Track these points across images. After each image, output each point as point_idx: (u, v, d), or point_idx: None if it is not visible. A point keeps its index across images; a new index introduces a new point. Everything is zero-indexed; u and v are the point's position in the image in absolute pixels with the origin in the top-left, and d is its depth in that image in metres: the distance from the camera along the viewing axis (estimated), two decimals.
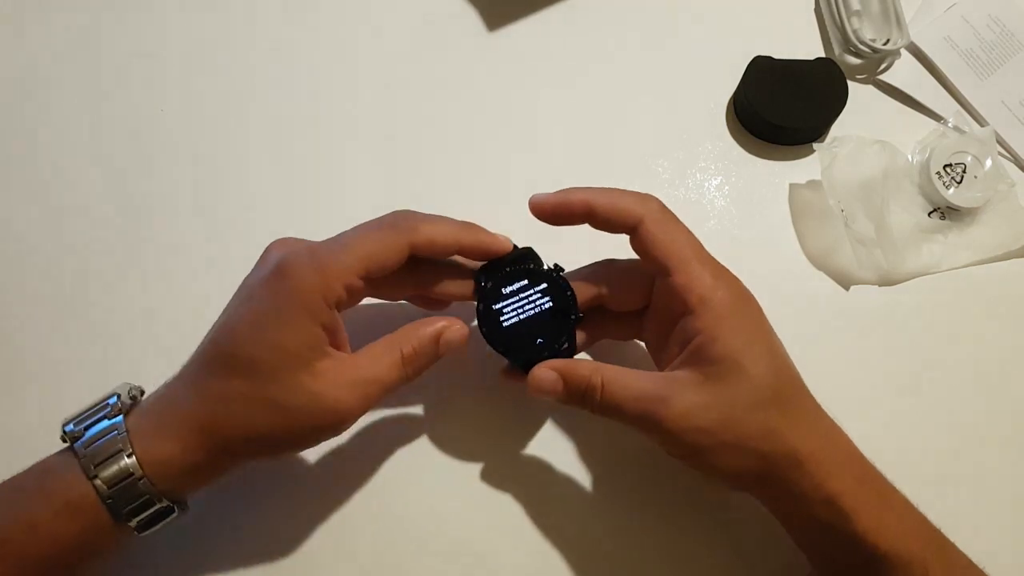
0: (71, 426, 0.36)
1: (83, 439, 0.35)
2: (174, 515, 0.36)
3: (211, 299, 0.48)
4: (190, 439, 0.35)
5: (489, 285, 0.38)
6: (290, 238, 0.39)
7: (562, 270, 0.39)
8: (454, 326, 0.39)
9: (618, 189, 0.39)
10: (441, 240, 0.38)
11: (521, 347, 0.38)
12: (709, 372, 0.36)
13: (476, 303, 0.38)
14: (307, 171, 0.53)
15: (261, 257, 0.38)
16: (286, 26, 0.57)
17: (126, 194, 0.51)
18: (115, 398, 0.37)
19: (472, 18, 0.57)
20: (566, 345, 0.39)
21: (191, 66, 0.55)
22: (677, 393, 0.36)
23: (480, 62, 0.56)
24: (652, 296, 0.40)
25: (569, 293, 0.39)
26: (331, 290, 0.36)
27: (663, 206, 0.39)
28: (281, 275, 0.35)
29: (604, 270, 0.41)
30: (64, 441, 0.36)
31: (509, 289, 0.38)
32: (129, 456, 0.35)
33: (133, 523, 0.35)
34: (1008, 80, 0.56)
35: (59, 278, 0.49)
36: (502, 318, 0.38)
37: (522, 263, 0.39)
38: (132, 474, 0.34)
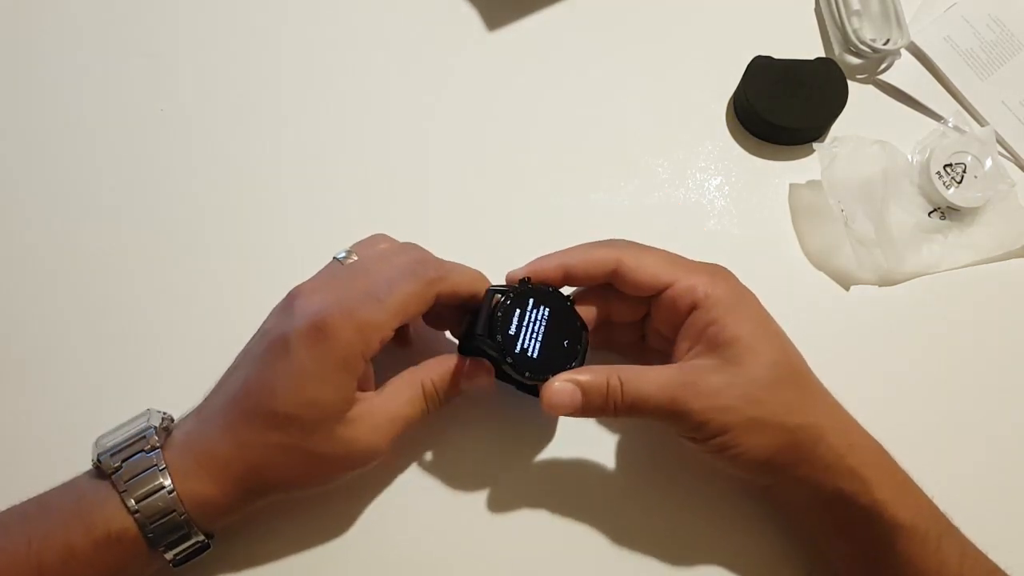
0: (106, 456, 0.36)
1: (120, 471, 0.36)
2: (209, 549, 0.38)
3: (213, 299, 0.48)
4: (228, 484, 0.36)
5: (500, 338, 0.38)
6: (311, 284, 0.39)
7: (529, 280, 0.40)
8: (480, 375, 0.40)
9: (583, 243, 0.41)
10: (461, 291, 0.39)
11: (559, 360, 0.39)
12: (726, 355, 0.37)
13: (502, 360, 0.38)
14: (305, 170, 0.53)
15: (286, 305, 0.38)
16: (286, 25, 0.57)
17: (126, 195, 0.51)
18: (151, 430, 0.37)
19: (472, 18, 0.57)
20: (584, 329, 0.40)
21: (191, 66, 0.55)
22: (700, 377, 0.37)
23: (480, 62, 0.56)
24: (652, 311, 0.42)
25: (551, 289, 0.40)
26: (369, 347, 0.37)
27: (629, 240, 0.42)
28: (322, 335, 0.36)
29: (603, 291, 0.42)
30: (96, 468, 0.37)
31: (513, 327, 0.38)
32: (170, 493, 0.35)
33: (170, 556, 0.36)
34: (1008, 80, 0.56)
35: (58, 279, 0.49)
36: (528, 354, 0.38)
37: (501, 301, 0.39)
38: (174, 509, 0.35)
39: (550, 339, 0.39)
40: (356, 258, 0.40)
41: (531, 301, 0.39)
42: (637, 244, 0.42)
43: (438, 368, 0.40)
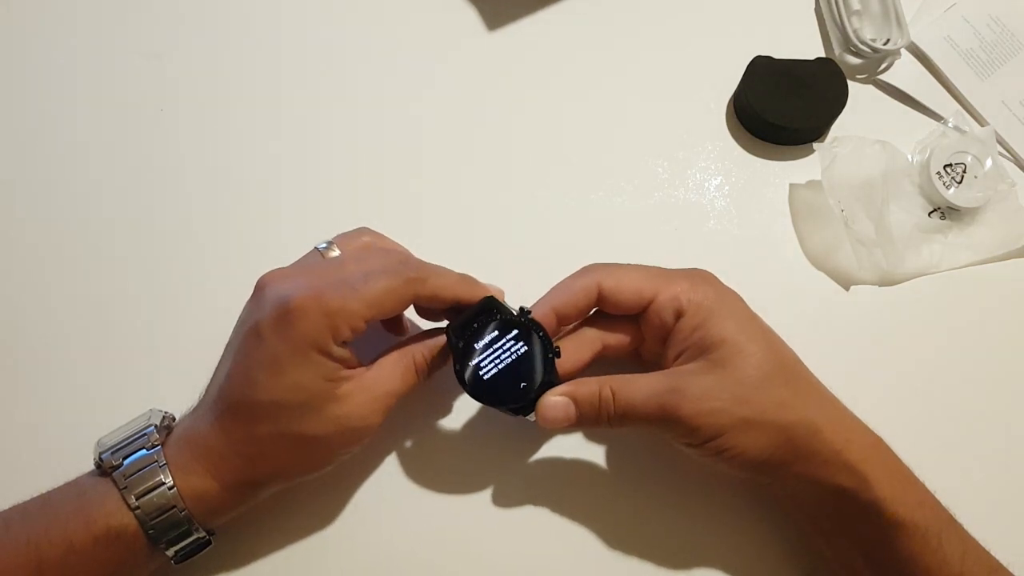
0: (108, 454, 0.36)
1: (122, 468, 0.36)
2: (211, 546, 0.38)
3: (215, 299, 0.48)
4: (227, 478, 0.36)
5: (462, 344, 0.38)
6: (280, 272, 0.39)
7: (529, 312, 0.39)
8: None
9: (560, 283, 0.41)
10: (443, 296, 0.39)
11: (506, 395, 0.39)
12: (713, 358, 0.38)
13: (453, 363, 0.39)
14: (306, 171, 0.53)
15: (256, 293, 0.38)
16: (285, 26, 0.57)
17: (126, 195, 0.51)
18: (152, 428, 0.37)
19: (472, 18, 0.57)
20: (549, 383, 0.39)
21: (191, 66, 0.56)
22: (688, 381, 0.37)
23: (480, 62, 0.56)
24: (643, 329, 0.41)
25: (541, 334, 0.39)
26: (339, 332, 0.36)
27: (601, 263, 0.41)
28: (289, 318, 0.36)
29: (595, 326, 0.42)
30: (98, 467, 0.37)
31: (482, 343, 0.38)
32: (171, 489, 0.35)
33: (171, 552, 0.36)
34: (1008, 80, 0.56)
35: (58, 281, 0.49)
36: (480, 372, 0.38)
37: (488, 315, 0.39)
38: (174, 506, 0.35)
39: (508, 373, 0.38)
40: (337, 251, 0.40)
41: (515, 332, 0.39)
42: (613, 264, 0.41)
43: (428, 342, 0.40)
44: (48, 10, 0.57)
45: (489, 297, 0.40)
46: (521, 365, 0.39)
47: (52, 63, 0.55)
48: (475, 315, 0.39)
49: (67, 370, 0.46)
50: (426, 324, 0.44)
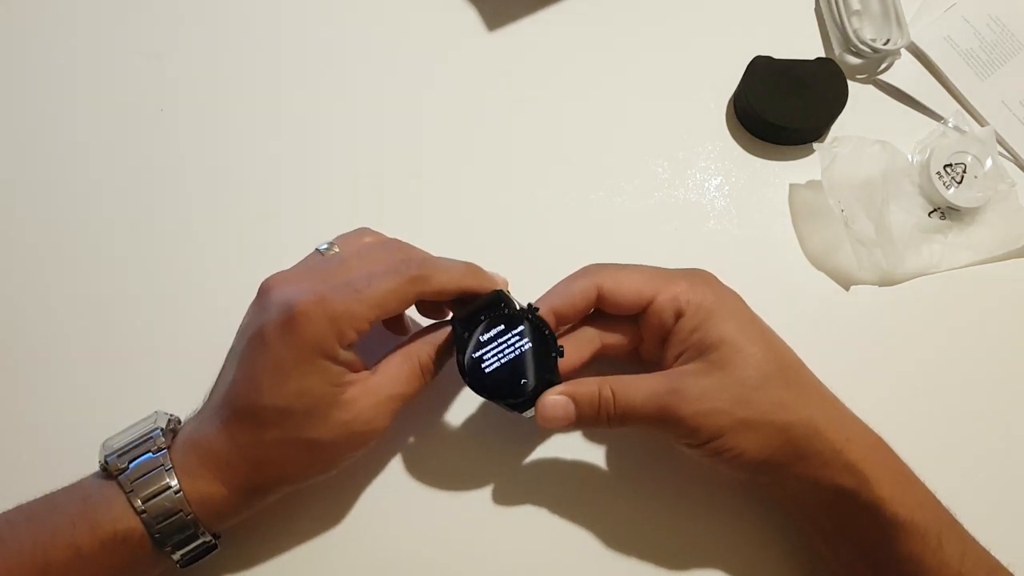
0: (113, 457, 0.36)
1: (128, 471, 0.36)
2: (216, 550, 0.38)
3: (217, 299, 0.48)
4: (233, 483, 0.36)
5: (467, 335, 0.38)
6: (283, 275, 0.39)
7: (536, 310, 0.39)
8: None
9: (559, 283, 0.41)
10: (448, 290, 0.39)
11: (506, 390, 0.39)
12: (712, 359, 0.38)
13: (455, 354, 0.39)
14: (305, 170, 0.53)
15: (260, 297, 0.38)
16: (285, 26, 0.57)
17: (127, 196, 0.51)
18: (158, 431, 0.37)
19: (472, 18, 0.57)
20: (550, 382, 0.39)
21: (191, 66, 0.56)
22: (687, 383, 0.37)
23: (480, 62, 0.56)
24: (642, 330, 0.41)
25: (547, 332, 0.39)
26: (344, 336, 0.36)
27: (601, 263, 0.41)
28: (294, 324, 0.35)
29: (595, 325, 0.42)
30: (103, 470, 0.37)
31: (487, 336, 0.38)
32: (177, 493, 0.35)
33: (177, 556, 0.36)
34: (1008, 80, 0.56)
35: (58, 281, 0.49)
36: (483, 365, 0.38)
37: (495, 309, 0.39)
38: (180, 509, 0.35)
39: (510, 368, 0.38)
40: (338, 250, 0.40)
41: (520, 328, 0.39)
42: (612, 265, 0.41)
43: (431, 341, 0.40)
44: (48, 10, 0.57)
45: (498, 291, 0.40)
46: (523, 361, 0.39)
47: (52, 63, 0.55)
48: (482, 308, 0.39)
49: (67, 370, 0.46)
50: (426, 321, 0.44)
